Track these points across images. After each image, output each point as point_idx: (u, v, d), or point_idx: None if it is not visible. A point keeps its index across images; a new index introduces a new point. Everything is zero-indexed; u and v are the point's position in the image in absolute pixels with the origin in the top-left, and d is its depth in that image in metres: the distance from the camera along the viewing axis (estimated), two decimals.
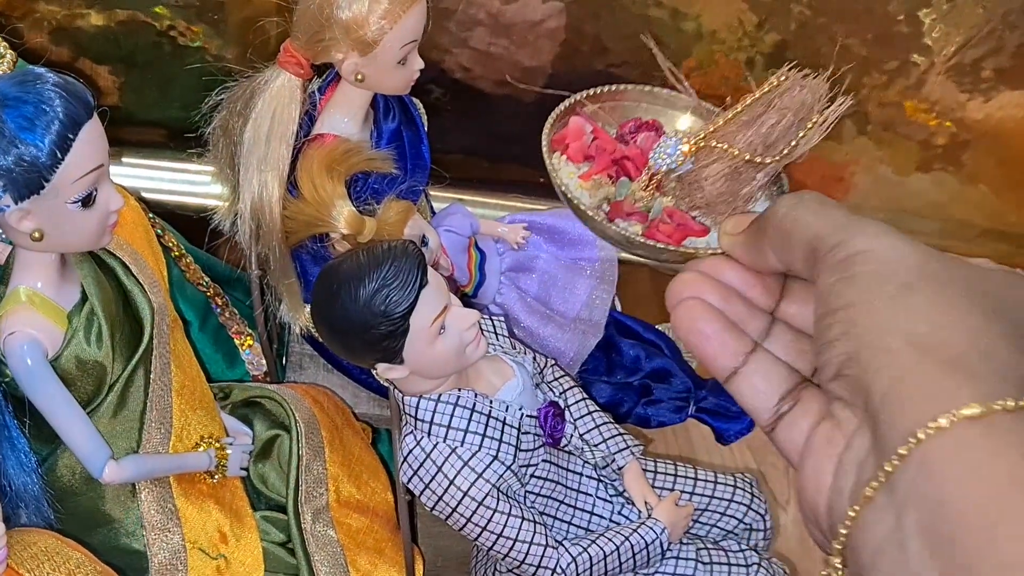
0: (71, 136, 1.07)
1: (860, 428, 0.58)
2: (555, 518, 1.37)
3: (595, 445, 1.43)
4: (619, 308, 1.76)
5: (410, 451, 1.28)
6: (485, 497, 1.26)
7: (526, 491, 1.33)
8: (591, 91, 1.13)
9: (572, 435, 1.41)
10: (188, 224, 1.62)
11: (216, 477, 1.33)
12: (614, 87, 1.18)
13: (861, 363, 0.57)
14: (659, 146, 1.03)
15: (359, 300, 1.18)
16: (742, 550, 1.46)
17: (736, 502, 1.48)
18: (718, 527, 1.49)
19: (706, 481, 1.48)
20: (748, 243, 0.72)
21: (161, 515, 1.28)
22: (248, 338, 1.60)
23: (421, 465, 1.27)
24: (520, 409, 1.31)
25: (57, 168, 1.07)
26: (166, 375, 1.27)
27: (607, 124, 1.14)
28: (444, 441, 1.27)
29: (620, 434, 1.45)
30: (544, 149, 1.08)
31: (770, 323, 0.73)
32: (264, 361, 1.60)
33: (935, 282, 0.58)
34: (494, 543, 1.28)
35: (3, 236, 1.34)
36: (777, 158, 1.02)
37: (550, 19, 1.66)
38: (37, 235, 1.11)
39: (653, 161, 1.02)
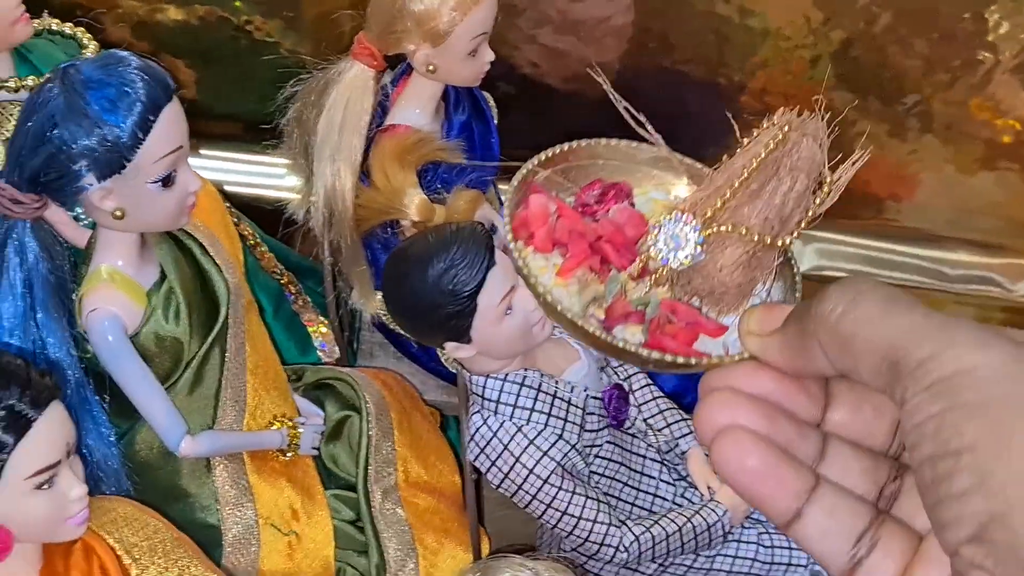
0: (152, 118, 1.11)
1: None
2: (618, 499, 1.39)
3: (659, 430, 1.45)
4: None
5: (477, 430, 1.31)
6: (550, 475, 1.28)
7: (591, 471, 1.35)
8: (542, 156, 0.94)
9: (636, 418, 1.44)
10: (262, 215, 1.66)
11: (288, 455, 1.36)
12: (566, 146, 0.95)
13: (1014, 528, 0.46)
14: (663, 235, 0.81)
15: (427, 280, 1.21)
16: None
17: None
18: None
19: None
20: (788, 345, 0.60)
21: (235, 490, 1.31)
22: (320, 325, 1.64)
23: (488, 443, 1.30)
24: (585, 390, 1.33)
25: (138, 148, 1.11)
26: (241, 354, 1.31)
27: (563, 191, 0.96)
28: (510, 420, 1.29)
29: (684, 419, 1.47)
30: (507, 238, 0.90)
31: (822, 440, 0.62)
32: (336, 348, 1.63)
33: None
34: (559, 521, 1.30)
35: (84, 220, 1.39)
36: (796, 235, 0.81)
37: (617, 16, 1.69)
38: (119, 214, 1.14)
39: (656, 253, 0.80)
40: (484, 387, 1.30)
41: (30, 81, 1.38)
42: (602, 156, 0.89)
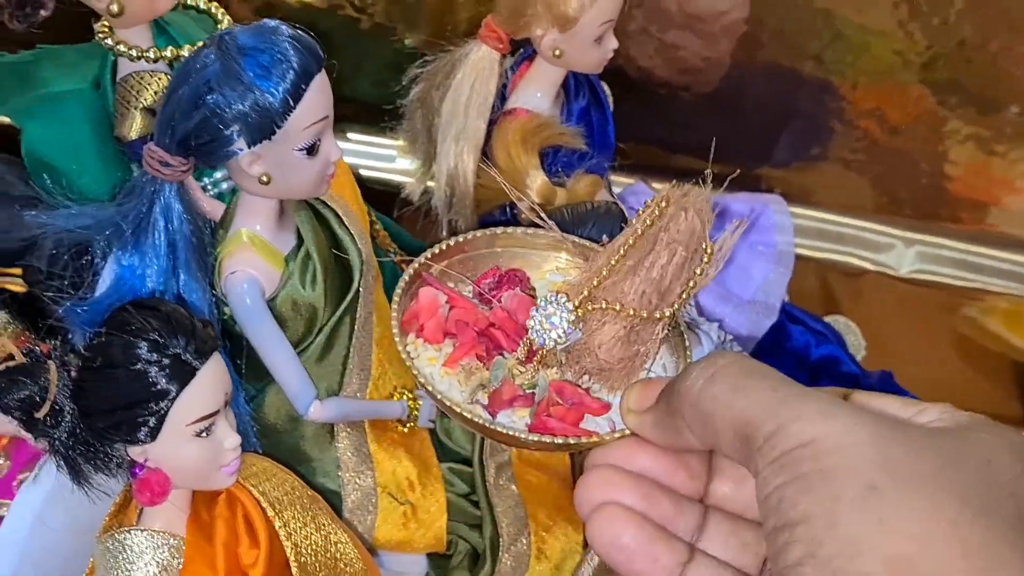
0: (303, 86, 1.13)
1: None
2: None
3: None
4: (786, 299, 1.79)
5: None
6: None
7: None
8: (435, 249, 0.97)
9: None
10: (375, 196, 1.69)
11: (407, 427, 1.38)
12: (460, 237, 0.98)
13: None
14: (537, 316, 0.86)
15: None
16: None
17: None
18: None
19: None
20: (659, 423, 0.62)
21: (356, 458, 1.34)
22: None
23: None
24: None
25: (289, 115, 1.13)
26: (369, 324, 1.33)
27: (461, 283, 0.96)
28: None
29: None
30: (395, 332, 0.90)
31: (702, 514, 0.63)
32: None
33: (906, 477, 0.49)
34: None
35: (211, 191, 1.42)
36: (676, 307, 0.85)
37: (734, 10, 1.71)
38: (265, 179, 1.17)
39: (535, 336, 0.86)
40: None
41: (168, 52, 1.42)
42: (500, 244, 0.99)
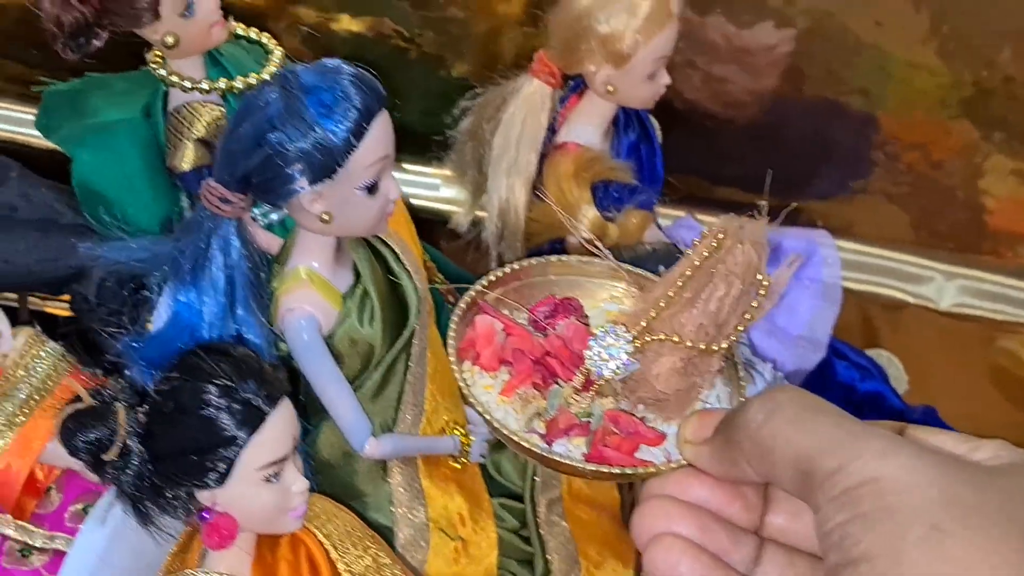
0: (365, 125, 1.13)
1: None
2: None
3: None
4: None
5: None
6: None
7: None
8: (490, 276, 0.96)
9: None
10: (420, 224, 1.69)
11: (459, 462, 1.38)
12: (516, 265, 0.97)
13: None
14: (596, 346, 0.86)
15: None
16: None
17: None
18: None
19: None
20: (716, 454, 0.62)
21: (409, 493, 1.33)
22: None
23: None
24: None
25: (351, 154, 1.13)
26: (423, 359, 1.33)
27: (516, 310, 0.96)
28: None
29: None
30: (451, 359, 0.90)
31: (758, 546, 0.63)
32: None
33: (970, 517, 0.49)
34: None
35: (261, 222, 1.42)
36: (734, 339, 0.85)
37: (782, 44, 1.70)
38: (326, 217, 1.17)
39: (593, 366, 0.85)
40: None
41: (221, 83, 1.42)
42: (554, 272, 0.97)
